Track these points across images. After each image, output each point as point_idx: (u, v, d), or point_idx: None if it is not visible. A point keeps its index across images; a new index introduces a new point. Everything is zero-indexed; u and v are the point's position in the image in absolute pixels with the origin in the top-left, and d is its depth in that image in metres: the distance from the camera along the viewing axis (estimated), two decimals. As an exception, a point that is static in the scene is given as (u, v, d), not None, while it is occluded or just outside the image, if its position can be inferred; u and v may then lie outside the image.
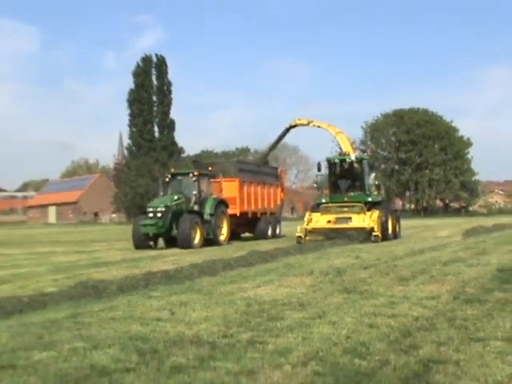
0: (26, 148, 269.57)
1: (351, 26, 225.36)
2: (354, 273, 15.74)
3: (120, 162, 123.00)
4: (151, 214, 27.42)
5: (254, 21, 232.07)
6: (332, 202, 30.87)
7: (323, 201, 31.30)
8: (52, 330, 9.09)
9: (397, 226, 32.77)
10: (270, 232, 35.53)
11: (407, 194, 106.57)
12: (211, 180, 31.34)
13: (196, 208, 28.76)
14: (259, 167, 39.11)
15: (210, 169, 31.63)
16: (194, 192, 28.80)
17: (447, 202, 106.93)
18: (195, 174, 29.35)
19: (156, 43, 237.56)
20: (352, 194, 31.32)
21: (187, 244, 26.74)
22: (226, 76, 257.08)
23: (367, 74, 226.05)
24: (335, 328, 8.84)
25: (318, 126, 38.53)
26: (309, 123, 38.76)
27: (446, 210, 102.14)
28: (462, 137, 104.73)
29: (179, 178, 30.07)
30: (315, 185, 41.17)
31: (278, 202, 39.15)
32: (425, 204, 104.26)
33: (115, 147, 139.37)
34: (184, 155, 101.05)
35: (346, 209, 30.09)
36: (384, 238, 29.02)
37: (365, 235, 28.20)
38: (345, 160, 32.10)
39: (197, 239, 27.69)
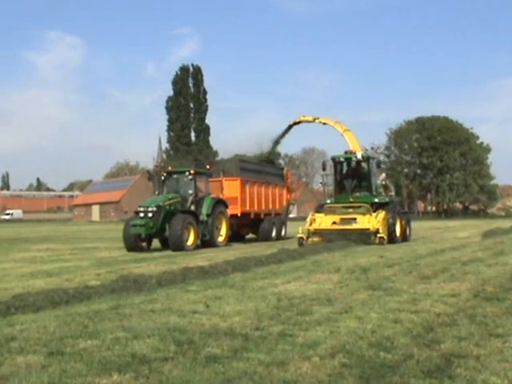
0: (73, 151, 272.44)
1: (376, 38, 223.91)
2: (378, 271, 15.67)
3: (159, 164, 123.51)
4: (142, 214, 24.78)
5: (279, 34, 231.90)
6: (337, 203, 28.49)
7: (328, 201, 28.97)
8: (96, 321, 9.15)
9: (407, 229, 30.09)
10: (274, 233, 32.77)
11: (428, 196, 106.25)
12: (212, 179, 28.89)
13: (192, 208, 26.33)
14: (263, 167, 35.26)
15: (208, 167, 28.73)
16: (190, 191, 26.52)
17: (467, 204, 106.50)
18: (191, 172, 26.72)
19: (192, 53, 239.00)
20: (358, 194, 28.90)
21: (179, 245, 24.16)
22: (256, 84, 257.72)
23: (390, 84, 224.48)
24: (361, 323, 8.80)
25: (324, 123, 36.33)
26: (314, 120, 36.79)
27: (466, 213, 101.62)
28: (481, 143, 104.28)
29: (175, 176, 27.55)
30: (320, 184, 38.24)
31: (284, 203, 36.13)
32: (445, 206, 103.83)
33: (155, 150, 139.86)
34: (218, 158, 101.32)
35: (351, 209, 27.62)
36: (391, 240, 26.70)
37: (367, 237, 26.01)
38: (350, 158, 29.44)
39: (190, 240, 24.98)
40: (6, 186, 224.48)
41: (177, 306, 10.48)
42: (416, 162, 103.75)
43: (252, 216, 31.51)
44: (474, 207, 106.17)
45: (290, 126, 38.08)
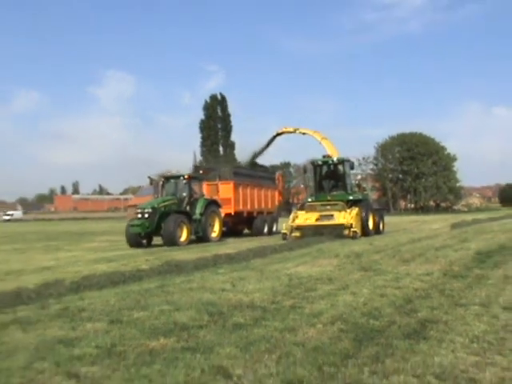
0: (126, 163, 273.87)
1: (369, 75, 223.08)
2: (369, 256, 15.62)
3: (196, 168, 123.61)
4: (140, 215, 22.77)
5: (290, 68, 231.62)
6: (317, 201, 26.23)
7: (309, 200, 26.92)
8: (146, 296, 9.23)
9: (380, 223, 27.99)
10: (266, 229, 30.41)
11: (408, 196, 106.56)
12: (209, 183, 27.32)
13: (188, 208, 24.20)
14: (256, 172, 32.90)
15: (200, 172, 27.46)
16: (184, 194, 24.39)
17: (438, 202, 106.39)
18: (186, 177, 24.66)
19: (219, 85, 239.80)
20: (335, 193, 26.59)
21: (172, 241, 22.16)
22: (270, 108, 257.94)
23: (377, 108, 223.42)
24: (355, 297, 8.82)
25: (304, 133, 33.50)
26: (295, 130, 33.96)
27: (437, 209, 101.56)
28: (449, 153, 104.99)
29: (172, 181, 25.19)
30: (302, 185, 36.17)
31: (276, 203, 33.30)
32: (422, 204, 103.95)
33: (190, 162, 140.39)
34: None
35: (328, 207, 25.35)
36: (364, 233, 24.71)
37: (341, 231, 23.68)
38: (327, 162, 27.21)
39: (183, 237, 22.92)
40: (76, 192, 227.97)
41: (209, 285, 10.53)
42: (398, 169, 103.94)
43: (245, 214, 29.51)
44: (443, 204, 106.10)
45: (274, 137, 35.37)
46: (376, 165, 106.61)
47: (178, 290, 9.95)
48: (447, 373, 5.05)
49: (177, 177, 25.09)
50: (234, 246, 21.21)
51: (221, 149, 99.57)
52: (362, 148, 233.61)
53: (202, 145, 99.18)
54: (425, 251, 16.67)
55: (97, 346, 6.10)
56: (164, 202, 23.31)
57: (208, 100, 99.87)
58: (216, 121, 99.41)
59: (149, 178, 25.44)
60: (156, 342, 6.20)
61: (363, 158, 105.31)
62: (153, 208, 22.61)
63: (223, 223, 26.65)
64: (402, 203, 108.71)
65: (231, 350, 5.82)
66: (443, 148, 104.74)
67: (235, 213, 28.19)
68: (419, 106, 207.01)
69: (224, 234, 27.18)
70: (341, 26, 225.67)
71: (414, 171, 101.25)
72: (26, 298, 9.26)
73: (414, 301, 8.44)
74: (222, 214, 26.56)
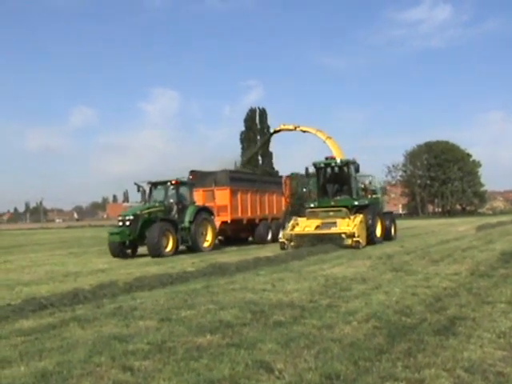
0: (172, 172, 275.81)
1: (393, 86, 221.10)
2: (400, 257, 15.52)
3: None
4: (121, 223, 19.81)
5: (321, 83, 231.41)
6: (320, 206, 22.23)
7: (312, 205, 22.82)
8: (192, 296, 9.30)
9: (392, 228, 24.39)
10: (269, 236, 25.97)
11: (436, 200, 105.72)
12: (205, 189, 23.93)
13: (176, 216, 21.05)
14: (258, 176, 28.32)
15: (190, 177, 23.50)
16: (171, 200, 21.21)
17: (464, 206, 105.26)
18: (173, 182, 21.30)
19: (258, 99, 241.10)
20: (339, 197, 22.71)
21: (156, 252, 19.03)
22: (305, 120, 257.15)
23: (407, 118, 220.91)
24: (387, 296, 8.78)
25: (305, 131, 29.87)
26: (295, 128, 30.36)
27: (463, 212, 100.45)
28: (473, 160, 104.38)
29: (160, 187, 21.88)
30: (304, 189, 28.97)
31: (283, 208, 28.55)
32: (448, 208, 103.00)
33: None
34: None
35: (331, 213, 21.39)
36: (370, 241, 20.86)
37: (340, 241, 20.13)
38: (330, 164, 23.22)
39: (169, 247, 19.85)
40: (127, 200, 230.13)
41: (251, 285, 10.56)
42: (426, 175, 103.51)
43: (245, 221, 25.29)
44: (469, 208, 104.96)
45: (271, 135, 32.32)
46: (405, 171, 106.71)
47: (222, 290, 10.00)
48: (476, 367, 5.01)
49: (164, 182, 21.77)
50: (272, 249, 20.98)
51: (260, 159, 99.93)
52: (390, 156, 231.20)
53: (243, 155, 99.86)
54: (452, 252, 16.54)
55: (148, 342, 6.19)
56: (149, 208, 20.48)
57: (248, 113, 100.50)
58: (255, 132, 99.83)
59: (135, 183, 22.01)
60: (203, 339, 6.25)
61: (393, 166, 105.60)
62: (134, 215, 19.87)
63: (221, 231, 24.10)
64: (430, 207, 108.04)
65: (272, 346, 5.84)
66: (468, 155, 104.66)
67: (232, 220, 24.28)
68: (445, 115, 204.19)
69: (224, 243, 25.40)
70: (369, 42, 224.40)
71: (441, 177, 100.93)
72: (82, 298, 9.45)
73: (444, 299, 8.37)
74: (218, 222, 23.48)
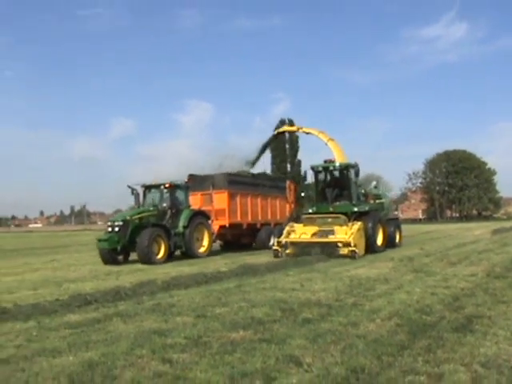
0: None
1: (411, 99, 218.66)
2: (420, 259, 15.46)
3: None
4: (110, 229, 18.00)
5: (346, 95, 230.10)
6: (318, 212, 19.75)
7: (310, 210, 20.36)
8: (226, 295, 9.41)
9: (396, 235, 21.92)
10: (271, 242, 21.97)
11: (453, 206, 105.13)
12: (203, 192, 22.08)
13: (170, 221, 19.15)
14: (260, 180, 25.35)
15: (186, 181, 21.25)
16: (164, 204, 19.12)
17: (480, 211, 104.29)
18: (166, 185, 19.35)
19: (286, 110, 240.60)
20: (338, 203, 20.13)
21: (146, 259, 17.30)
22: (331, 130, 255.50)
23: (427, 127, 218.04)
24: (409, 295, 8.80)
25: (308, 133, 26.91)
26: (298, 129, 28.42)
27: (479, 217, 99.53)
28: (489, 168, 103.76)
29: (153, 190, 19.95)
30: (302, 194, 26.10)
31: (286, 213, 25.83)
32: (465, 213, 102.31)
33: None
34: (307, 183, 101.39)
35: (329, 220, 18.85)
36: (369, 250, 18.34)
37: (333, 250, 17.23)
38: (328, 168, 20.61)
39: (160, 253, 17.95)
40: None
41: (280, 285, 10.62)
42: (444, 182, 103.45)
43: (245, 226, 23.15)
44: (484, 213, 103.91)
45: (275, 137, 30.30)
46: (425, 179, 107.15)
47: (253, 289, 10.09)
48: (491, 362, 5.06)
49: (157, 186, 19.80)
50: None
51: (288, 166, 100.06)
52: (411, 164, 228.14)
53: (273, 162, 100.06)
54: (469, 254, 16.48)
55: (185, 336, 6.32)
56: (139, 213, 18.65)
57: (277, 123, 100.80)
58: (284, 142, 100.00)
59: (129, 186, 20.12)
60: (236, 334, 6.36)
61: (413, 173, 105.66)
62: (124, 220, 18.09)
63: (220, 236, 22.52)
64: (448, 212, 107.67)
65: (301, 342, 5.93)
66: (484, 163, 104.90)
67: (231, 225, 22.24)
68: (463, 124, 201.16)
69: (224, 248, 23.84)
70: (389, 58, 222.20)
71: (459, 184, 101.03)
72: (124, 295, 9.66)
73: (461, 298, 8.38)
74: (216, 227, 21.54)
